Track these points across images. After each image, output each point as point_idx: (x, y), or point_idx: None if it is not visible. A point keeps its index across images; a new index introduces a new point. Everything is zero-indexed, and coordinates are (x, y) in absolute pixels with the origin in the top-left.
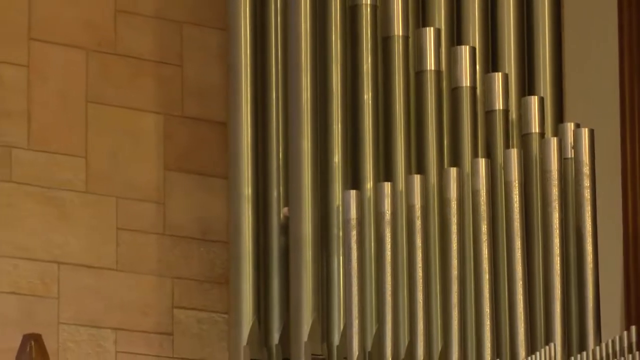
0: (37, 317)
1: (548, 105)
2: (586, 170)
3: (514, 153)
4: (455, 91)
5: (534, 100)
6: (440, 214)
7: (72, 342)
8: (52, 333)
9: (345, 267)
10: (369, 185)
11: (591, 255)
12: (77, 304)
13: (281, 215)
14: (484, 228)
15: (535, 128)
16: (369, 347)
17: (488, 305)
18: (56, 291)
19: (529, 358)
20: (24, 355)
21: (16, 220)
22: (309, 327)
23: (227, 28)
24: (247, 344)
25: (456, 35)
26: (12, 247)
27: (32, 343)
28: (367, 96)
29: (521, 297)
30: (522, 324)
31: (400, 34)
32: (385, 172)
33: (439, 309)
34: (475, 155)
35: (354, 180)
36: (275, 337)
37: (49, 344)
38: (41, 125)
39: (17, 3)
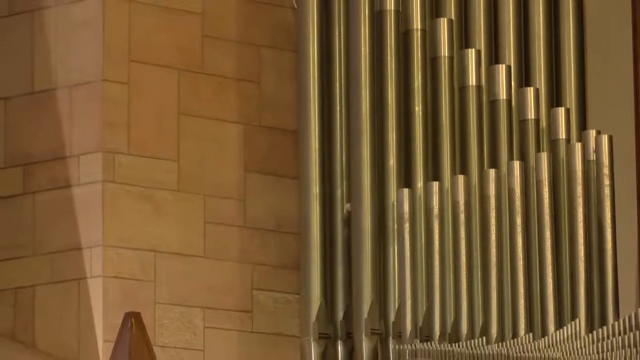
0: (136, 297)
1: (573, 115)
2: (606, 171)
3: (544, 156)
4: (493, 103)
5: (561, 111)
6: (481, 209)
7: (166, 319)
8: (150, 311)
9: (399, 255)
10: (419, 184)
11: (610, 244)
12: (171, 286)
13: (344, 211)
14: (518, 221)
15: (562, 135)
16: (420, 323)
17: (522, 287)
18: (153, 275)
19: (558, 332)
20: (126, 330)
21: (119, 215)
22: (369, 306)
23: (298, 50)
24: (315, 320)
25: (494, 55)
26: (115, 238)
27: (133, 320)
28: (418, 108)
29: (551, 280)
30: (552, 303)
31: (446, 54)
32: (434, 173)
33: (480, 290)
34: (510, 158)
35: (406, 180)
36: (340, 314)
37: (147, 321)
38: (139, 134)
39: (119, 31)
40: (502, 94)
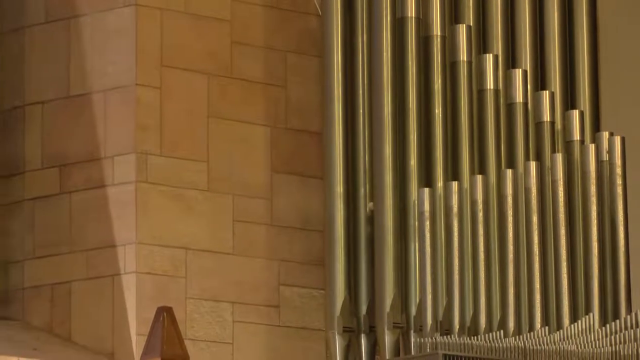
0: (168, 293)
1: (587, 117)
2: (619, 171)
3: (559, 157)
4: (510, 106)
5: (575, 114)
6: (499, 207)
7: (197, 313)
8: (181, 306)
9: (420, 251)
10: (439, 184)
11: (623, 241)
12: (201, 282)
13: (367, 209)
14: (534, 219)
15: (576, 136)
16: (440, 317)
17: (538, 282)
18: (184, 272)
19: (572, 325)
20: (158, 324)
21: (151, 214)
22: (391, 300)
23: (323, 56)
24: (340, 314)
25: (511, 60)
26: (148, 236)
27: (165, 314)
28: (438, 111)
29: (565, 275)
30: (566, 297)
31: (465, 59)
32: (453, 173)
33: (497, 286)
34: (527, 158)
35: (427, 179)
36: (363, 308)
37: (178, 315)
38: (171, 136)
39: (151, 37)
40: (519, 97)
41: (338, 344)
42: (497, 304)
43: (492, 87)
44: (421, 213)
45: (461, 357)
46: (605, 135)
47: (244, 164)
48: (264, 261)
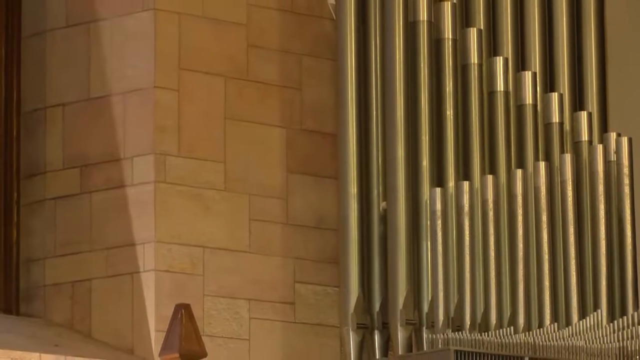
0: (186, 290)
1: (595, 118)
2: (626, 170)
3: (567, 157)
4: (520, 108)
5: (583, 115)
6: (509, 206)
7: (214, 310)
8: (199, 303)
9: (432, 250)
10: (451, 183)
11: (630, 239)
12: (218, 279)
13: (380, 209)
14: (544, 218)
15: (584, 137)
16: (451, 314)
17: (547, 279)
18: (201, 269)
19: (581, 322)
20: (176, 321)
21: (170, 213)
22: (404, 298)
23: (337, 59)
24: (354, 311)
25: (520, 63)
26: (166, 234)
27: (183, 311)
28: (449, 112)
29: (574, 272)
30: (575, 294)
31: (476, 62)
32: (464, 173)
33: (508, 283)
34: (536, 159)
35: (438, 179)
36: (377, 306)
37: (196, 312)
38: (189, 137)
39: (169, 41)
40: (528, 99)
41: (352, 340)
42: (508, 301)
43: (502, 89)
44: (433, 212)
45: (472, 352)
46: (612, 136)
47: (260, 164)
48: (280, 259)
